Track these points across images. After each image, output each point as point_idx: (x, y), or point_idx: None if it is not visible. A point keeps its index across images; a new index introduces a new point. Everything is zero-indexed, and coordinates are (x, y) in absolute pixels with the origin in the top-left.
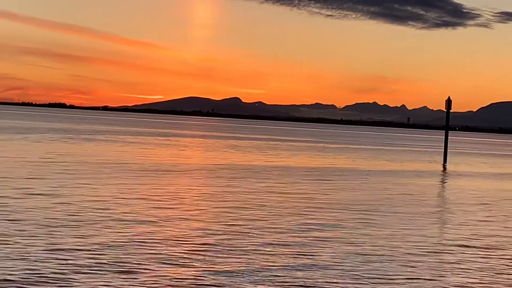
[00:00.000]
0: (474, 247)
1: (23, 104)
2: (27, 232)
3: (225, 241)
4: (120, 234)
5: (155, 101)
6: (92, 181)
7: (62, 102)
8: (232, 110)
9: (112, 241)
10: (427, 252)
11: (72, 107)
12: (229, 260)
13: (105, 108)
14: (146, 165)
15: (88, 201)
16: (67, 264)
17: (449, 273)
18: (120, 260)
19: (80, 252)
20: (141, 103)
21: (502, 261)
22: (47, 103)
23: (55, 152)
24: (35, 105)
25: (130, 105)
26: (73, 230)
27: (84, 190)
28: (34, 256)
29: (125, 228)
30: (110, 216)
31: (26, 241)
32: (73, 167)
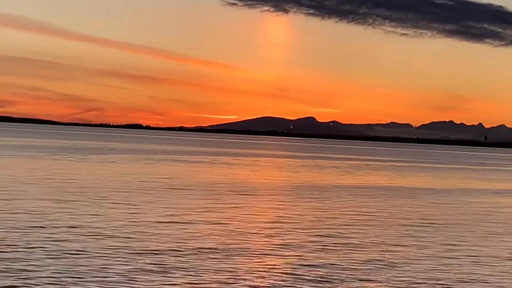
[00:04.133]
0: None
1: (101, 125)
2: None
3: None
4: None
5: (230, 121)
6: (210, 201)
7: (138, 123)
8: (306, 129)
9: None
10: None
11: (148, 128)
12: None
13: (180, 129)
14: (249, 185)
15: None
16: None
17: None
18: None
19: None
20: (216, 123)
21: None
22: (124, 124)
23: (153, 174)
24: (112, 126)
25: (205, 125)
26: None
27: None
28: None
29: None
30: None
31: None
32: (190, 189)
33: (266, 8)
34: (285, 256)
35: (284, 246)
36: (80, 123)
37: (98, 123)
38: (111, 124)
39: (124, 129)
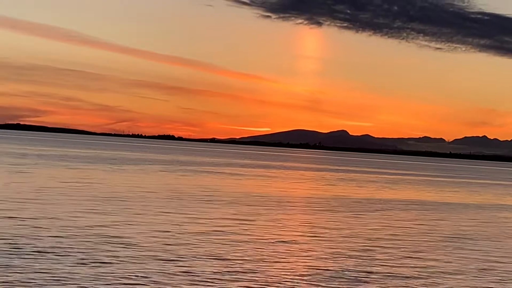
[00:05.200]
0: None
1: (133, 135)
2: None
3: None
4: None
5: (262, 134)
6: (248, 214)
7: (170, 134)
8: (339, 143)
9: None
10: None
11: (180, 139)
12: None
13: (212, 140)
14: (285, 198)
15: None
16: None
17: None
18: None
19: None
20: (248, 135)
21: None
22: (156, 135)
23: (189, 185)
24: (145, 136)
25: (237, 137)
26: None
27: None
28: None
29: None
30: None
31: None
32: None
33: (300, 20)
34: (319, 270)
35: (319, 262)
36: (112, 133)
37: (131, 134)
38: (143, 134)
39: (156, 139)
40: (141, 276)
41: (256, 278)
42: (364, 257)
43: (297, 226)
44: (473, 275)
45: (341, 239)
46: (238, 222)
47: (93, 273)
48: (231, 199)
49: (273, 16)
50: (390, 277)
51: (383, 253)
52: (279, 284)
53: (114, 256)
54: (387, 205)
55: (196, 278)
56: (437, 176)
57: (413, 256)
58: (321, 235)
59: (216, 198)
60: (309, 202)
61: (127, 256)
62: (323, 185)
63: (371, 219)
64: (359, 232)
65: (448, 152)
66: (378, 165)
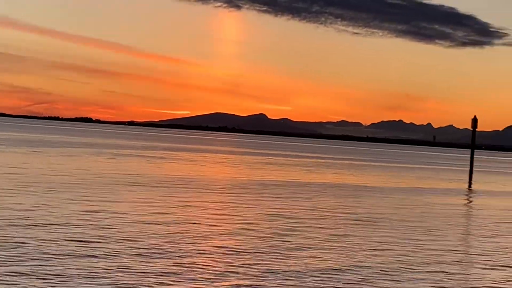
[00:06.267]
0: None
1: (50, 118)
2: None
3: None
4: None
5: (181, 117)
6: (168, 198)
7: (89, 117)
8: (257, 126)
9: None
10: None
11: (98, 121)
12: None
13: (131, 123)
14: (203, 181)
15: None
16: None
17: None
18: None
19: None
20: (167, 118)
21: None
22: (74, 117)
23: (107, 168)
24: (62, 119)
25: (156, 120)
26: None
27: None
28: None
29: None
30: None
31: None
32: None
33: (218, 4)
34: (235, 256)
35: (234, 246)
36: (29, 115)
37: (47, 116)
38: (60, 117)
39: (74, 122)
40: (60, 274)
41: (172, 266)
42: (281, 243)
43: (214, 209)
44: (390, 259)
45: (261, 223)
46: (159, 207)
47: (6, 271)
48: (154, 183)
49: None
50: (306, 263)
51: (301, 237)
52: (193, 269)
53: (31, 247)
54: (307, 188)
55: (112, 261)
56: (357, 160)
57: (331, 240)
58: (241, 220)
59: (139, 182)
60: (230, 185)
61: (46, 248)
62: (244, 168)
63: (290, 203)
64: (277, 216)
65: (365, 136)
66: (297, 148)
